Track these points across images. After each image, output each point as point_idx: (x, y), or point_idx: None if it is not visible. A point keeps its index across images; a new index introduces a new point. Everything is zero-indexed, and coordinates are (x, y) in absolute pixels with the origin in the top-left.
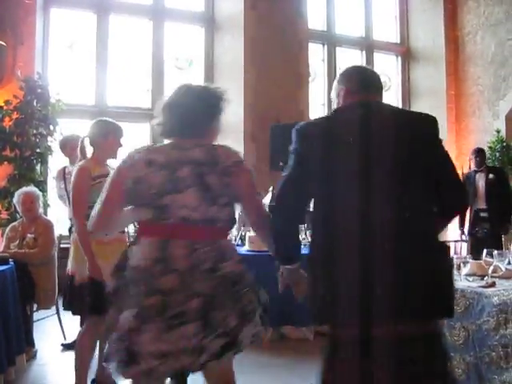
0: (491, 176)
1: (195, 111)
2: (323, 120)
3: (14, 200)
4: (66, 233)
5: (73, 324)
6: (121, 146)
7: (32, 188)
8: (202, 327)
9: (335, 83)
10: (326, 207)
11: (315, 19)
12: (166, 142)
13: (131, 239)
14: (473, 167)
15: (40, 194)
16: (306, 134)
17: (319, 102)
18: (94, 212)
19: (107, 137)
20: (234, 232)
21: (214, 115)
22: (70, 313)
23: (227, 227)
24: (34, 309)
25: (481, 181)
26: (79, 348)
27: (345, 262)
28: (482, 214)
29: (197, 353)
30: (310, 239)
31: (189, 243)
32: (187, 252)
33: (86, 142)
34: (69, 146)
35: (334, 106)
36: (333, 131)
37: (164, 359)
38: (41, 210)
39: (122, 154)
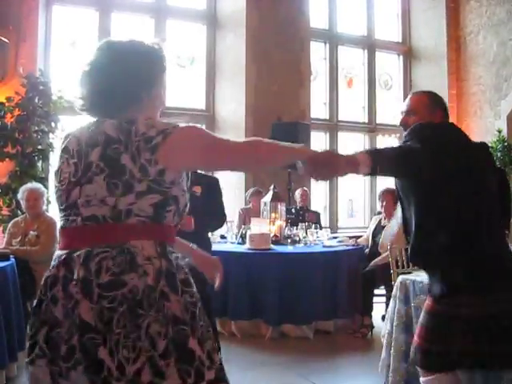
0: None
1: (119, 77)
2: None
3: (19, 196)
4: None
5: None
6: None
7: (37, 185)
8: (92, 373)
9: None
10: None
11: (317, 18)
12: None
13: None
14: None
15: (45, 190)
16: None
17: (321, 100)
18: None
19: None
20: (234, 229)
21: (149, 81)
22: None
23: (150, 223)
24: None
25: None
26: None
27: None
28: None
29: None
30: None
31: (86, 252)
32: (81, 265)
33: None
34: None
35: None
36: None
37: None
38: (45, 207)
39: None
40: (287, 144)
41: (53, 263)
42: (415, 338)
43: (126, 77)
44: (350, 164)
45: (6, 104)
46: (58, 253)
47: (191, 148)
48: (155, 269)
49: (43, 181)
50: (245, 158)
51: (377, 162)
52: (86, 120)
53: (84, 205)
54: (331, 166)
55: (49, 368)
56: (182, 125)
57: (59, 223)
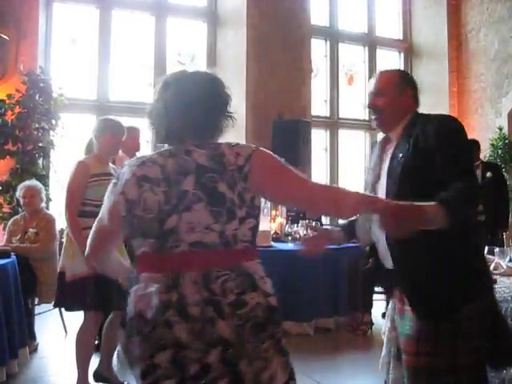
0: (489, 174)
1: (201, 108)
2: None
3: (17, 194)
4: None
5: (73, 317)
6: (119, 142)
7: (34, 182)
8: None
9: None
10: None
11: (318, 15)
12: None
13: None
14: None
15: (42, 187)
16: None
17: (322, 97)
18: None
19: (104, 133)
20: None
21: (222, 111)
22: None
23: (251, 246)
24: (36, 302)
25: None
26: (80, 344)
27: None
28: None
29: None
30: None
31: (204, 275)
32: (202, 286)
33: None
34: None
35: None
36: None
37: None
38: (43, 205)
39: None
40: (364, 195)
41: (151, 289)
42: None
43: (210, 108)
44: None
45: (7, 101)
46: (154, 276)
47: (271, 177)
48: (270, 288)
49: (44, 178)
50: (318, 196)
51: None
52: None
53: (188, 231)
54: (415, 219)
55: None
56: (258, 149)
57: (143, 249)
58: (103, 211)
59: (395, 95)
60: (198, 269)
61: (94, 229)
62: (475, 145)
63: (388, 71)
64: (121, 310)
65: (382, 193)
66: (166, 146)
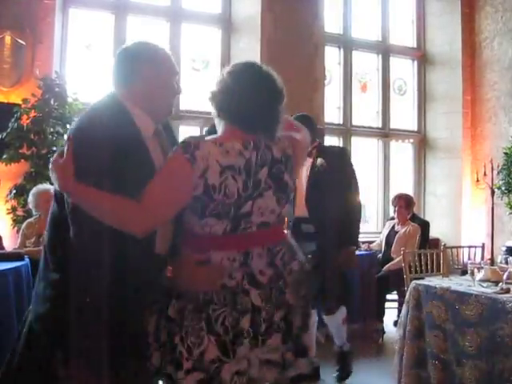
0: (320, 162)
1: (274, 102)
2: None
3: (31, 198)
4: None
5: None
6: None
7: (48, 185)
8: (283, 339)
9: None
10: None
11: (331, 22)
12: (224, 129)
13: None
14: None
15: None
16: None
17: (334, 105)
18: (130, 209)
19: None
20: None
21: (283, 106)
22: None
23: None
24: None
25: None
26: None
27: None
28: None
29: (280, 367)
30: None
31: (267, 250)
32: (268, 260)
33: None
34: None
35: None
36: None
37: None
38: None
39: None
40: None
41: (234, 264)
42: None
43: (278, 104)
44: None
45: (22, 106)
46: (228, 254)
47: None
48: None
49: None
50: None
51: None
52: (234, 141)
53: (258, 215)
54: None
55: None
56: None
57: (213, 229)
58: (162, 177)
59: None
60: (262, 245)
61: (147, 199)
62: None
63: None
64: None
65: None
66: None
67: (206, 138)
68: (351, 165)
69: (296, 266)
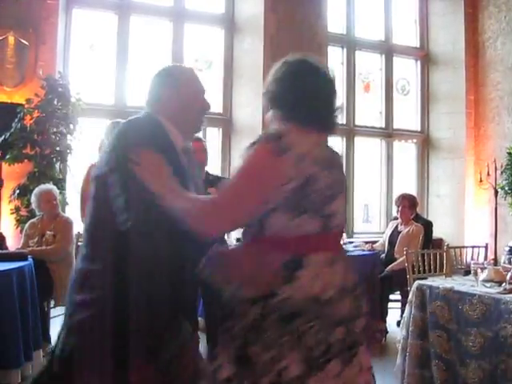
0: None
1: (335, 102)
2: None
3: (33, 198)
4: None
5: None
6: None
7: (50, 185)
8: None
9: None
10: None
11: (335, 22)
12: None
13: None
14: None
15: (57, 192)
16: None
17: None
18: (198, 204)
19: None
20: None
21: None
22: None
23: None
24: (52, 305)
25: None
26: None
27: None
28: None
29: None
30: None
31: (343, 255)
32: (345, 265)
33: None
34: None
35: None
36: None
37: None
38: (60, 208)
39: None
40: None
41: (329, 270)
42: None
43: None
44: None
45: (26, 106)
46: (324, 257)
47: None
48: None
49: (61, 182)
50: None
51: None
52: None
53: (336, 216)
54: None
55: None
56: None
57: (306, 228)
58: (240, 174)
59: None
60: (339, 249)
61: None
62: None
63: None
64: None
65: None
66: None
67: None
68: None
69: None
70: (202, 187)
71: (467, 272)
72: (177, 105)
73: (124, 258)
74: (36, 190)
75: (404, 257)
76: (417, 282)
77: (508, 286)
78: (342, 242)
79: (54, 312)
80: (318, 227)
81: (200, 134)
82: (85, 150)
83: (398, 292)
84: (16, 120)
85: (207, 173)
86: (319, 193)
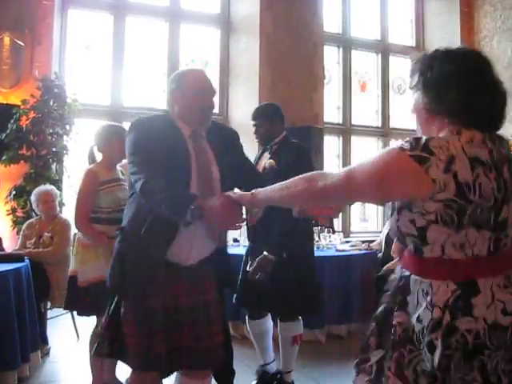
0: (268, 164)
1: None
2: None
3: (33, 198)
4: None
5: (86, 322)
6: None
7: (50, 186)
8: None
9: None
10: None
11: (331, 22)
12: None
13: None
14: None
15: (57, 193)
16: None
17: (334, 104)
18: None
19: (111, 140)
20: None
21: None
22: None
23: None
24: (48, 307)
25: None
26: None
27: None
28: None
29: None
30: None
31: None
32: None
33: (95, 150)
34: None
35: None
36: None
37: None
38: (58, 209)
39: None
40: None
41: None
42: None
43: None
44: None
45: (22, 107)
46: (499, 280)
47: None
48: None
49: (57, 183)
50: None
51: None
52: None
53: (508, 229)
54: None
55: None
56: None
57: (476, 248)
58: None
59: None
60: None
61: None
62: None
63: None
64: None
65: None
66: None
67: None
68: (309, 163)
69: None
70: (210, 168)
71: None
72: (182, 104)
73: None
74: (35, 190)
75: None
76: None
77: None
78: None
79: (50, 313)
80: (487, 244)
81: None
82: (81, 150)
83: None
84: (12, 121)
85: None
86: (485, 201)
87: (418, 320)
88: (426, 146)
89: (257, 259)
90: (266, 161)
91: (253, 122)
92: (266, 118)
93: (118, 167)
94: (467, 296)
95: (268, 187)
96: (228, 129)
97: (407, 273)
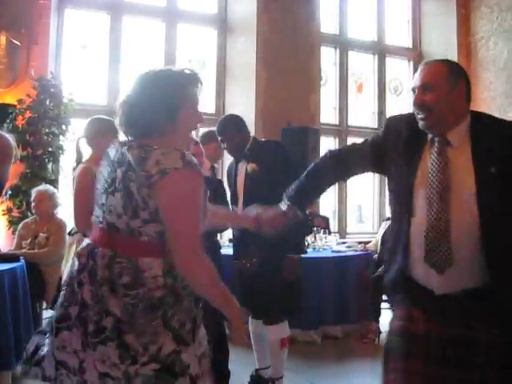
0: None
1: (141, 107)
2: None
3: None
4: None
5: None
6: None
7: (46, 186)
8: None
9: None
10: None
11: (327, 23)
12: None
13: None
14: None
15: (54, 193)
16: None
17: (330, 105)
18: None
19: (104, 135)
20: None
21: (172, 106)
22: None
23: (157, 244)
24: (44, 307)
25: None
26: None
27: None
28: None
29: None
30: None
31: (110, 252)
32: (107, 262)
33: (82, 142)
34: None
35: None
36: None
37: None
38: (56, 210)
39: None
40: None
41: None
42: None
43: (149, 105)
44: None
45: (18, 106)
46: None
47: (166, 204)
48: None
49: (53, 183)
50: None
51: None
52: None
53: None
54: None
55: (81, 338)
56: (182, 168)
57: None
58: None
59: (446, 90)
60: (107, 246)
61: None
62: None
63: (437, 61)
64: None
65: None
66: None
67: None
68: (286, 154)
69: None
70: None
71: None
72: None
73: None
74: (33, 190)
75: None
76: None
77: None
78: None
79: (45, 314)
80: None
81: (193, 135)
82: (83, 148)
83: None
84: (8, 121)
85: None
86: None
87: None
88: None
89: (282, 264)
90: (247, 167)
91: (220, 138)
92: (234, 128)
93: None
94: None
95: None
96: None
97: None
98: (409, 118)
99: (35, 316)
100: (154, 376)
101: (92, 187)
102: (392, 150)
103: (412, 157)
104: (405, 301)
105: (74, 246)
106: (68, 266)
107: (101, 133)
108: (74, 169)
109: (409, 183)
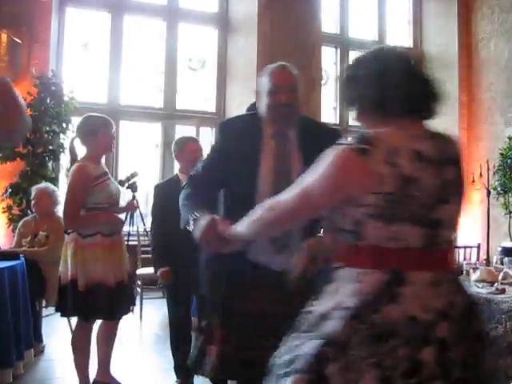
0: None
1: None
2: None
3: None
4: None
5: None
6: (113, 138)
7: (46, 184)
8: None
9: None
10: None
11: (328, 22)
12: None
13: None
14: None
15: (55, 191)
16: None
17: (331, 105)
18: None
19: (97, 133)
20: None
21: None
22: None
23: None
24: (43, 305)
25: None
26: (77, 350)
27: None
28: None
29: None
30: None
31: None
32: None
33: (77, 142)
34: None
35: None
36: None
37: None
38: (56, 208)
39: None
40: None
41: (429, 290)
42: None
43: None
44: None
45: None
46: (427, 275)
47: None
48: None
49: (53, 181)
50: None
51: None
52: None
53: (444, 226)
54: None
55: None
56: None
57: (408, 241)
58: (315, 183)
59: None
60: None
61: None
62: None
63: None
64: (112, 320)
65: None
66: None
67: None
68: None
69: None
70: None
71: (459, 272)
72: (260, 103)
73: None
74: (33, 188)
75: None
76: None
77: (500, 287)
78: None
79: (45, 311)
80: (419, 240)
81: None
82: (78, 148)
83: None
84: None
85: None
86: (419, 196)
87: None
88: (365, 138)
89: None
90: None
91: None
92: None
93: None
94: (394, 285)
95: (242, 222)
96: (328, 129)
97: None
98: None
99: (35, 314)
100: None
101: (87, 187)
102: None
103: None
104: None
105: (71, 244)
106: (64, 265)
107: (93, 131)
108: (68, 169)
109: None
